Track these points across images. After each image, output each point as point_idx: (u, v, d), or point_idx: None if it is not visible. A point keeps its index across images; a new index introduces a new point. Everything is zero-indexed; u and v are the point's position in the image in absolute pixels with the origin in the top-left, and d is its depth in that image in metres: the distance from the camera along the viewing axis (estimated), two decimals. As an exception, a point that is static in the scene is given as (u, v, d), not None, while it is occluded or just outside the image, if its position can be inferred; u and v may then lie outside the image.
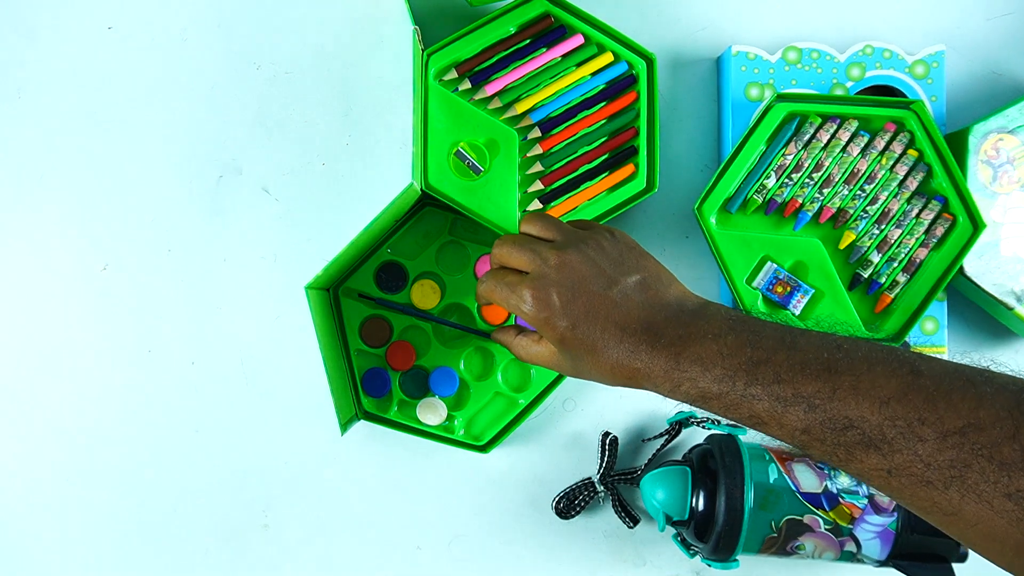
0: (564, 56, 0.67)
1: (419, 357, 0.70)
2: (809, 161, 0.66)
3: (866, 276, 0.66)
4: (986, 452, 0.41)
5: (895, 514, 0.62)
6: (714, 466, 0.64)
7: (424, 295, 0.70)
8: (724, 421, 0.68)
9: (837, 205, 0.66)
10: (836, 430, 0.45)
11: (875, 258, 0.66)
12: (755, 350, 0.47)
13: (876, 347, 0.47)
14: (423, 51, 0.65)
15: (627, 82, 0.67)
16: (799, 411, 0.45)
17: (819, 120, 0.66)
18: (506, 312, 0.69)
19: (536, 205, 0.67)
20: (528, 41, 0.67)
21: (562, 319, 0.51)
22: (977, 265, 0.66)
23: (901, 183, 0.66)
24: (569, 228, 0.56)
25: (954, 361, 0.46)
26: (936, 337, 0.68)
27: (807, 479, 0.63)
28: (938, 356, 0.46)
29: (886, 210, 0.66)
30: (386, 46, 0.71)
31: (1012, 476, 0.40)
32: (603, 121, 0.67)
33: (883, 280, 0.66)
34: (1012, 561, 0.43)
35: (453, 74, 0.66)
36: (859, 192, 0.66)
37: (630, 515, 0.70)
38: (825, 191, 0.66)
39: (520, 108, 0.66)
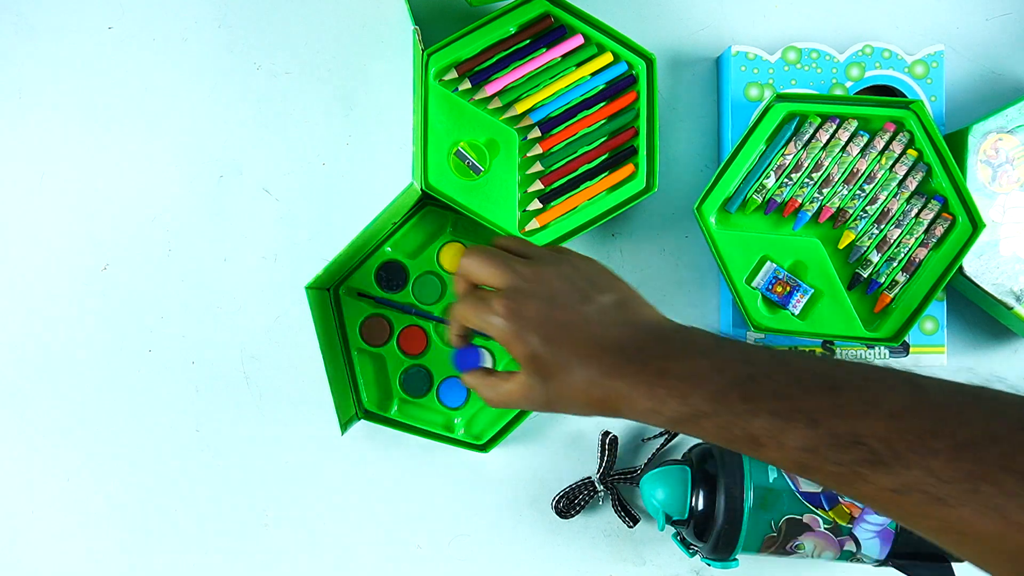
0: (564, 56, 0.67)
1: (419, 356, 0.70)
2: (808, 161, 0.66)
3: (865, 276, 0.66)
4: (1003, 463, 0.39)
5: (894, 513, 0.62)
6: (713, 465, 0.64)
7: (453, 257, 0.70)
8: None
9: (836, 205, 0.66)
10: (841, 447, 0.42)
11: (874, 258, 0.66)
12: (749, 366, 0.45)
13: (876, 367, 0.45)
14: (423, 51, 0.65)
15: (627, 82, 0.67)
16: (800, 428, 0.42)
17: (818, 120, 0.66)
18: None
19: (536, 205, 0.67)
20: (528, 41, 0.67)
21: (534, 333, 0.48)
22: (976, 265, 0.66)
23: (900, 183, 0.66)
24: (541, 248, 0.55)
25: (952, 380, 0.44)
26: (935, 337, 0.68)
27: (807, 478, 0.63)
28: (935, 375, 0.44)
29: (885, 210, 0.66)
30: (386, 46, 0.71)
31: None
32: (603, 121, 0.67)
33: (882, 280, 0.66)
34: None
35: (453, 74, 0.66)
36: (858, 192, 0.66)
37: (630, 514, 0.70)
38: (824, 191, 0.66)
39: (520, 108, 0.66)
